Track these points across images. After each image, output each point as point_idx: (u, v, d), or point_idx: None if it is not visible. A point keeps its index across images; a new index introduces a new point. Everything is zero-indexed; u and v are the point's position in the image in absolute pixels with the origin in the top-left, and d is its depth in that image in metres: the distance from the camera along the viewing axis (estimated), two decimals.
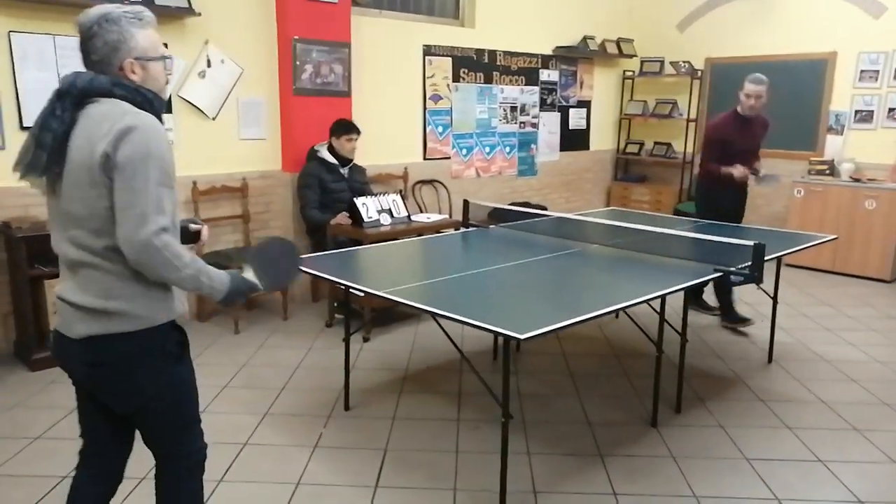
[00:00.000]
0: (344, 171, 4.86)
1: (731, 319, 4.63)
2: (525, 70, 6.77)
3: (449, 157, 6.26)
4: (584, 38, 7.14)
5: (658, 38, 7.59)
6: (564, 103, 7.27)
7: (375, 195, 4.66)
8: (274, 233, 5.10)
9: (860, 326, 4.77)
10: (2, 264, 3.95)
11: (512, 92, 6.71)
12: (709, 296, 5.02)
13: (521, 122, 6.86)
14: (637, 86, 7.86)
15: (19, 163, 1.69)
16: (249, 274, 1.88)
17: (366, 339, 4.36)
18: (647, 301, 2.67)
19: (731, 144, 4.49)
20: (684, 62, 7.26)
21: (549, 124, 7.17)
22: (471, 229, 4.12)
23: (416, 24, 5.86)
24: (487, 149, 6.60)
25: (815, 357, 4.18)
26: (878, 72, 6.18)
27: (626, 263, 3.33)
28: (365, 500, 2.61)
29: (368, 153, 5.37)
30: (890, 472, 2.87)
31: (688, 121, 7.41)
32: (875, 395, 3.62)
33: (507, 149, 6.79)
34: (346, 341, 3.38)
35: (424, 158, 6.07)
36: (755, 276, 2.99)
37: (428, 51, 5.91)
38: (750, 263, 3.01)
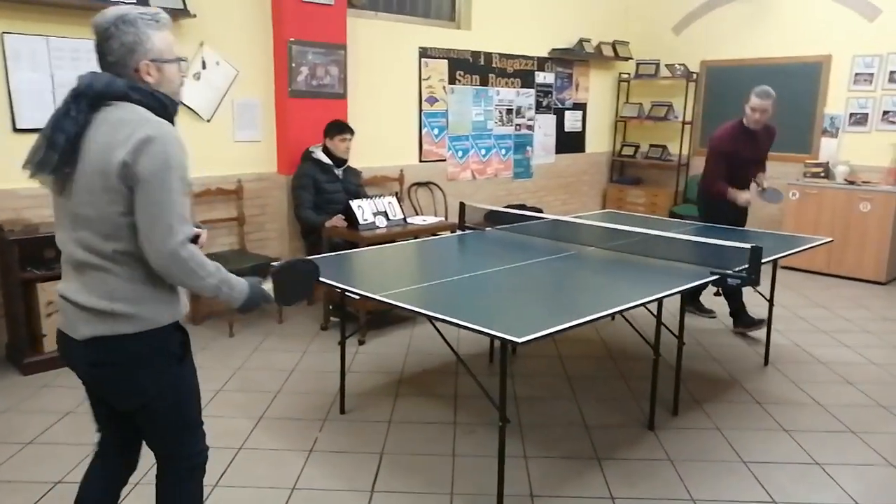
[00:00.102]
0: (338, 172, 4.85)
1: (746, 323, 4.55)
2: (521, 72, 6.77)
3: (445, 160, 6.25)
4: (580, 41, 7.15)
5: (654, 41, 7.61)
6: (560, 106, 7.28)
7: (370, 198, 4.65)
8: (268, 235, 5.09)
9: (855, 328, 4.77)
10: None
11: (508, 94, 6.70)
12: (704, 298, 5.03)
13: (516, 125, 6.86)
14: (633, 88, 7.87)
15: (29, 161, 1.68)
16: (268, 286, 1.92)
17: (361, 343, 4.34)
18: (644, 304, 2.67)
19: (735, 157, 4.41)
20: (680, 65, 7.28)
21: (545, 127, 7.17)
22: (467, 232, 4.11)
23: (412, 26, 5.85)
24: (483, 151, 6.59)
25: (810, 359, 4.18)
26: (872, 75, 6.21)
27: (623, 266, 3.33)
28: None
29: (364, 155, 5.36)
30: (886, 474, 2.86)
31: (683, 123, 7.42)
32: (871, 398, 3.62)
33: (503, 151, 6.79)
34: (342, 345, 3.36)
35: (420, 161, 6.06)
36: (752, 279, 2.99)
37: (424, 53, 5.91)
38: (747, 266, 3.01)
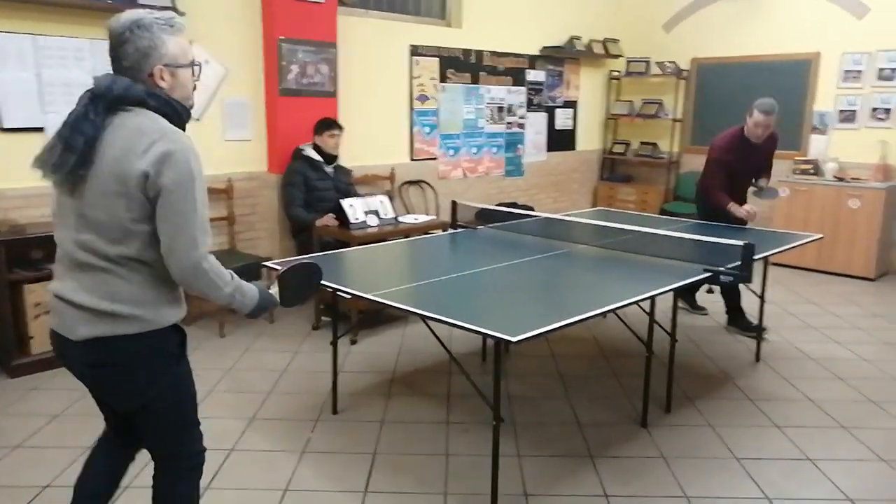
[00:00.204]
0: (329, 169, 4.83)
1: (742, 327, 4.55)
2: (512, 70, 6.76)
3: (436, 158, 6.24)
4: (571, 39, 7.15)
5: (644, 39, 7.62)
6: (551, 103, 7.27)
7: (361, 196, 4.63)
8: (259, 234, 5.06)
9: (845, 325, 4.80)
10: None
11: (499, 92, 6.69)
12: (698, 295, 5.04)
13: (507, 123, 6.85)
14: (623, 86, 7.88)
15: (44, 162, 1.67)
16: (274, 289, 1.96)
17: (353, 342, 4.33)
18: (637, 302, 2.66)
19: (734, 166, 4.36)
20: (670, 62, 7.29)
21: (536, 125, 7.16)
22: (459, 230, 4.10)
23: (403, 25, 5.83)
24: (474, 149, 6.58)
25: (801, 356, 4.19)
26: (861, 72, 6.24)
27: (616, 264, 3.33)
28: None
29: (355, 154, 5.34)
30: (878, 469, 2.88)
31: (674, 121, 7.44)
32: (862, 393, 3.64)
33: (494, 149, 6.78)
34: (335, 344, 3.34)
35: (411, 159, 6.04)
36: (744, 276, 2.99)
37: (415, 51, 5.88)
38: (739, 263, 3.01)
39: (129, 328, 1.69)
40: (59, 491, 2.63)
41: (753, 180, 4.56)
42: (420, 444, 3.05)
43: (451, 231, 4.13)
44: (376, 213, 4.59)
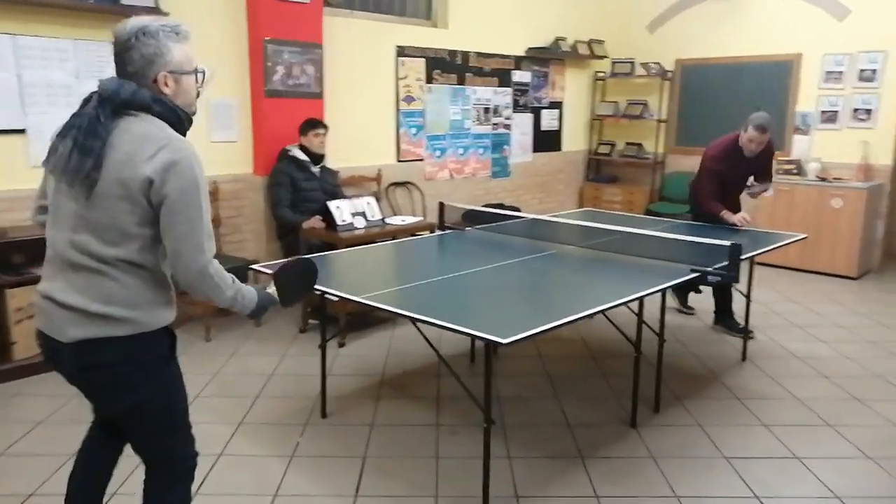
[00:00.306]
0: (315, 170, 4.80)
1: (729, 327, 4.58)
2: (498, 71, 6.77)
3: (422, 159, 6.23)
4: (556, 39, 7.17)
5: (628, 40, 7.66)
6: (537, 104, 7.29)
7: (348, 198, 4.61)
8: (245, 237, 5.02)
9: (829, 323, 4.85)
10: None
11: (485, 93, 6.70)
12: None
13: (493, 124, 6.85)
14: (608, 87, 7.92)
15: (64, 168, 1.65)
16: (271, 289, 1.99)
17: (341, 345, 4.30)
18: (626, 303, 2.67)
19: (727, 174, 4.35)
20: (655, 63, 7.34)
21: (522, 125, 7.17)
22: (447, 232, 4.09)
23: (389, 25, 5.82)
24: (461, 150, 6.58)
25: (787, 354, 4.23)
26: (842, 73, 6.31)
27: (604, 265, 3.34)
28: None
29: (341, 155, 5.31)
30: (863, 466, 2.91)
31: (658, 121, 7.48)
32: (846, 391, 3.68)
33: (481, 150, 6.78)
34: (323, 347, 3.32)
35: (398, 160, 6.02)
36: (732, 276, 3.01)
37: (401, 52, 5.87)
38: (726, 263, 3.03)
39: (122, 330, 1.70)
40: (44, 499, 2.59)
41: (748, 189, 4.56)
42: (410, 446, 3.04)
43: (438, 233, 4.12)
44: (363, 214, 4.57)
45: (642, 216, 5.77)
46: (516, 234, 4.03)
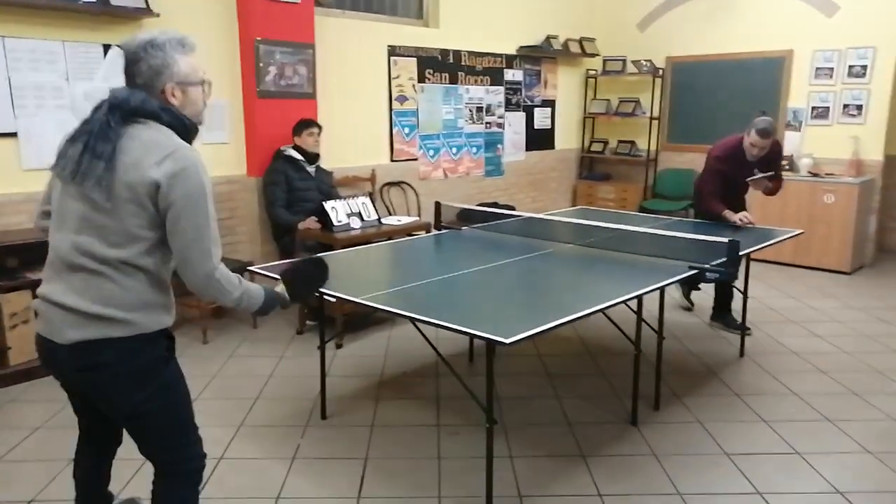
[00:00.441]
0: (311, 169, 4.78)
1: (726, 323, 4.59)
2: (490, 70, 6.76)
3: (416, 159, 6.21)
4: (548, 38, 7.17)
5: (620, 38, 7.67)
6: (529, 103, 7.29)
7: (344, 199, 4.59)
8: (239, 238, 4.99)
9: (824, 318, 4.88)
10: None
11: (477, 92, 6.69)
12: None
13: (486, 123, 6.84)
14: (600, 85, 7.93)
15: (75, 172, 1.68)
16: (280, 288, 2.05)
17: (339, 346, 4.28)
18: (626, 301, 2.67)
19: (730, 175, 4.34)
20: (646, 61, 7.35)
21: (515, 124, 7.17)
22: (443, 231, 4.08)
23: (380, 25, 5.79)
24: (454, 150, 6.56)
25: (784, 350, 4.25)
26: (832, 69, 6.35)
27: (601, 263, 3.33)
28: None
29: (335, 155, 5.29)
30: (865, 461, 2.92)
31: (651, 119, 7.50)
32: (844, 386, 3.70)
33: (474, 149, 6.77)
34: (322, 349, 3.30)
35: (392, 160, 6.00)
36: (730, 273, 3.02)
37: (393, 51, 5.85)
38: (725, 260, 3.03)
39: (120, 332, 1.72)
40: None
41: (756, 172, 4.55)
42: (411, 447, 3.03)
43: (435, 232, 4.11)
44: (359, 215, 4.55)
45: (638, 213, 5.77)
46: (513, 233, 4.03)
